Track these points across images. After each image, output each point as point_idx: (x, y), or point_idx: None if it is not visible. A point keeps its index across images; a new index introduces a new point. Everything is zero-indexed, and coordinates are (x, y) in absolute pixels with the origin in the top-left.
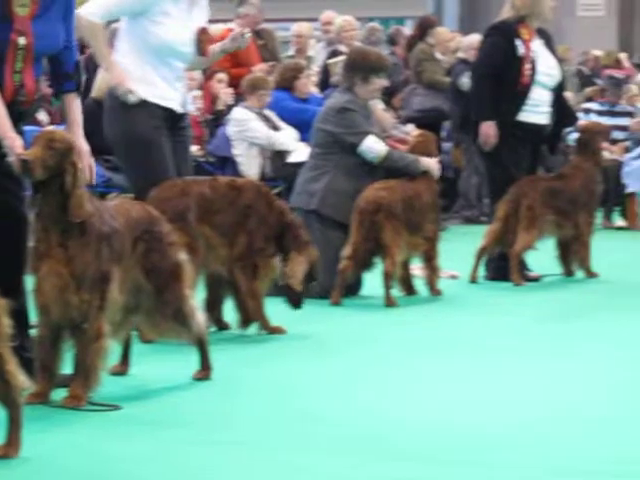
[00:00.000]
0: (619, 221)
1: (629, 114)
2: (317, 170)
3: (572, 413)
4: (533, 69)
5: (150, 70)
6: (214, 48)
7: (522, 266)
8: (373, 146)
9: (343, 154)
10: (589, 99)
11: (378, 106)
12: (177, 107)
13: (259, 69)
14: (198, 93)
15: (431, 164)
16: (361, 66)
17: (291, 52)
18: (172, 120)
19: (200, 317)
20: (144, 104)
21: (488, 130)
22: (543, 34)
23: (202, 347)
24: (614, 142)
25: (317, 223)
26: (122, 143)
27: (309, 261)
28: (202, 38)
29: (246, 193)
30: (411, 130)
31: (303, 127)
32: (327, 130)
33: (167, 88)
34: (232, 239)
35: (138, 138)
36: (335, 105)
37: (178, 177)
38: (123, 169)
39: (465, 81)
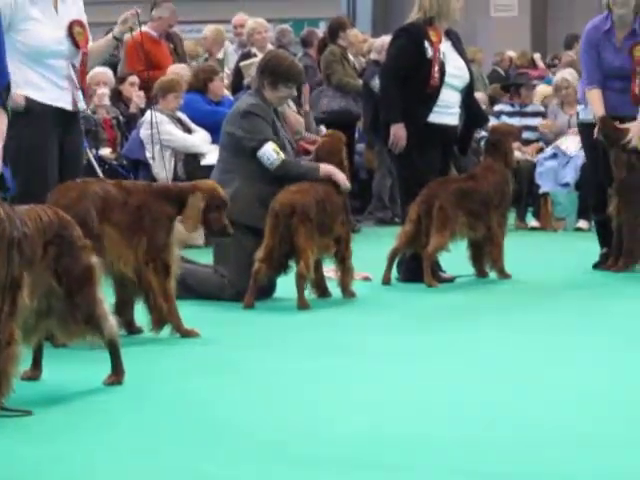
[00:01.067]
0: (532, 221)
1: (540, 114)
2: (226, 174)
3: (484, 413)
4: (442, 71)
5: (32, 74)
6: (107, 37)
7: (435, 267)
8: (270, 154)
9: (249, 158)
10: (493, 99)
11: (290, 109)
12: (67, 105)
13: (174, 70)
14: (104, 92)
15: (331, 171)
16: (271, 71)
17: (206, 55)
18: (64, 119)
19: (112, 321)
20: (33, 108)
21: (398, 132)
22: (452, 35)
23: (114, 351)
24: (527, 143)
25: None
26: (10, 148)
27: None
28: (74, 32)
29: (136, 194)
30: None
31: (216, 129)
32: (232, 133)
33: (53, 88)
34: (133, 239)
35: (22, 143)
36: (240, 108)
37: (70, 175)
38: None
39: (377, 83)
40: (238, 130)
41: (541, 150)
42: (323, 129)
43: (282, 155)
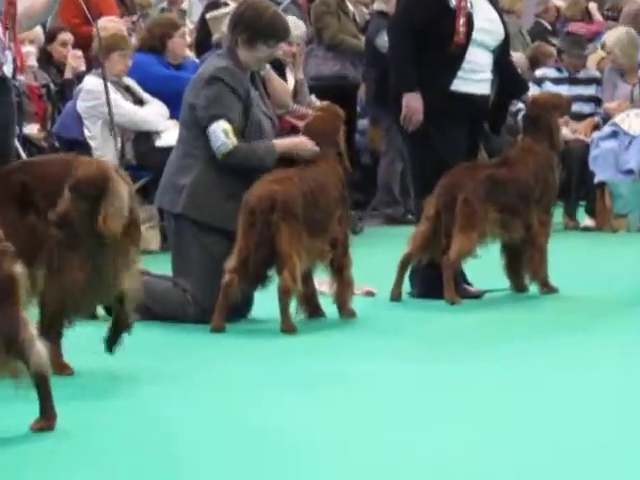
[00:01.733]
0: (585, 220)
1: (596, 81)
2: (186, 159)
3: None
4: (469, 25)
5: None
6: None
7: (459, 279)
8: (217, 135)
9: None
10: (535, 61)
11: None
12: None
13: (104, 26)
14: (30, 50)
15: (290, 145)
16: (247, 26)
17: (164, 4)
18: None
19: (40, 348)
20: None
21: (412, 104)
22: None
23: (43, 387)
24: (578, 117)
25: (190, 229)
26: None
27: None
28: None
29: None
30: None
31: (175, 100)
32: (193, 106)
33: None
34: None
35: None
36: (205, 73)
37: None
38: None
39: (384, 40)
40: (200, 101)
41: (597, 127)
42: (314, 100)
43: (233, 140)
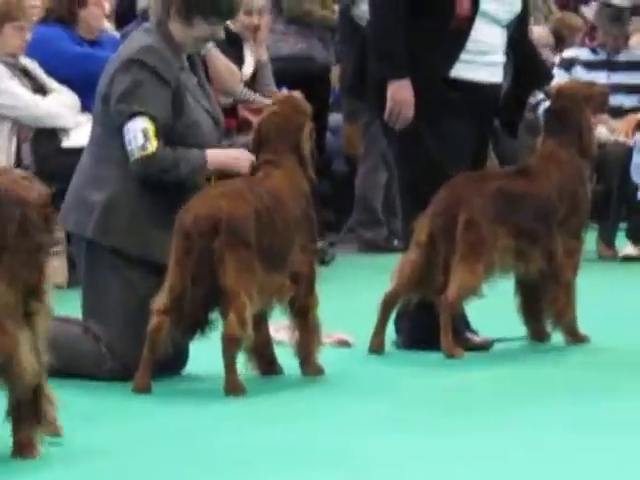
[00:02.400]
0: (627, 247)
1: None
2: (100, 166)
3: None
4: None
5: None
6: None
7: (459, 324)
8: (134, 136)
9: None
10: (561, 38)
11: (220, 56)
12: None
13: None
14: None
15: (226, 160)
16: None
17: None
18: None
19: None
20: None
21: (400, 94)
22: None
23: None
24: (618, 113)
25: (106, 259)
26: None
27: None
28: None
29: None
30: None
31: (89, 88)
32: (107, 96)
33: None
34: None
35: None
36: (124, 53)
37: None
38: None
39: (364, 11)
40: (114, 91)
41: None
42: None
43: (153, 144)
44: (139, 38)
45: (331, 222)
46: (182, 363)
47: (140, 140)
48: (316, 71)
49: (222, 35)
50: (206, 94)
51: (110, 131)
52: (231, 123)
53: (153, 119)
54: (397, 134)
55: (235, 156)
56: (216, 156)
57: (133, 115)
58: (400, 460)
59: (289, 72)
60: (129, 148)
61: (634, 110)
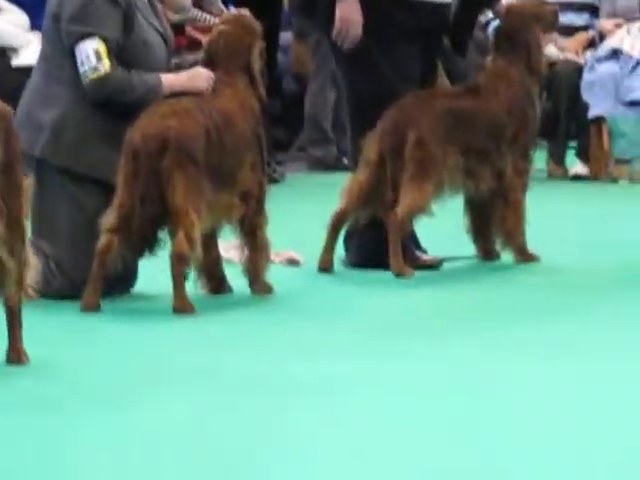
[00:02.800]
0: (576, 166)
1: None
2: (50, 85)
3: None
4: None
5: None
6: None
7: (409, 243)
8: (87, 57)
9: None
10: None
11: None
12: None
13: None
14: None
15: (184, 81)
16: None
17: None
18: None
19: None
20: None
21: (347, 13)
22: None
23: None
24: (568, 31)
25: (55, 178)
26: None
27: None
28: None
29: None
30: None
31: (39, 6)
32: (57, 15)
33: None
34: None
35: None
36: None
37: None
38: None
39: None
40: (66, 10)
41: (592, 45)
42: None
43: (106, 65)
44: None
45: (281, 140)
46: (131, 281)
47: (93, 61)
48: None
49: None
50: (156, 13)
51: (60, 50)
52: (180, 41)
53: (105, 40)
54: (345, 53)
55: (191, 75)
56: (172, 78)
57: (85, 36)
58: (347, 384)
59: None
60: (82, 70)
61: (584, 28)
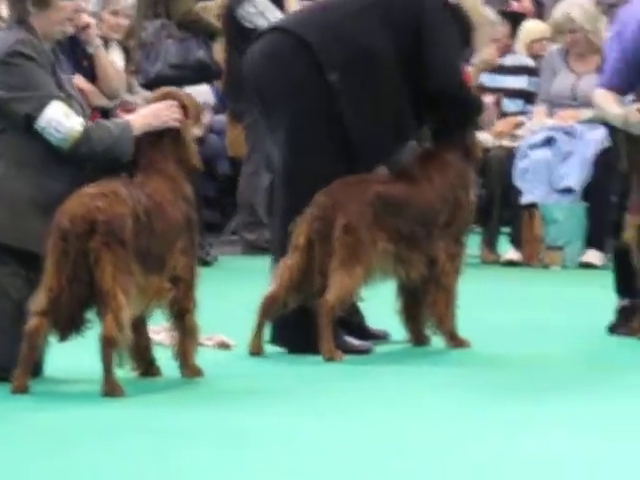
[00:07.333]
0: (509, 252)
1: (527, 71)
2: None
3: None
4: None
5: None
6: None
7: (356, 317)
8: (59, 120)
9: (15, 133)
10: None
11: (114, 55)
12: None
13: None
14: None
15: (155, 114)
16: None
17: None
18: None
19: None
20: None
21: None
22: None
23: None
24: (502, 116)
25: None
26: None
27: None
28: None
29: None
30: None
31: None
32: None
33: None
34: None
35: None
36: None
37: None
38: None
39: (249, 12)
40: (7, 85)
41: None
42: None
43: (78, 121)
44: (6, 36)
45: (215, 223)
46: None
47: (66, 124)
48: (206, 74)
49: (83, 7)
50: (71, 84)
51: None
52: None
53: (61, 99)
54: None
55: (153, 111)
56: (134, 117)
57: (44, 103)
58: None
59: (181, 79)
60: (58, 136)
61: (518, 114)
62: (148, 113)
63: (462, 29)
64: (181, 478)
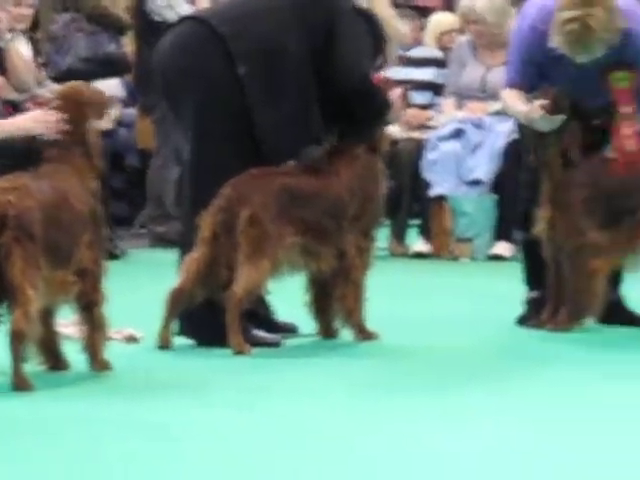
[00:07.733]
0: (417, 244)
1: (435, 62)
2: None
3: None
4: None
5: None
6: None
7: (246, 321)
8: None
9: None
10: None
11: (21, 47)
12: None
13: None
14: None
15: (33, 120)
16: None
17: None
18: None
19: None
20: None
21: None
22: None
23: None
24: (408, 106)
25: None
26: None
27: None
28: None
29: None
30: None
31: None
32: None
33: None
34: None
35: None
36: None
37: None
38: None
39: (158, 5)
40: None
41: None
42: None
43: None
44: None
45: (124, 216)
46: None
47: None
48: (114, 69)
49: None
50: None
51: None
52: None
53: None
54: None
55: (28, 117)
56: (12, 121)
57: None
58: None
59: (89, 73)
60: None
61: (427, 107)
62: (21, 120)
63: (375, 36)
64: (109, 470)
